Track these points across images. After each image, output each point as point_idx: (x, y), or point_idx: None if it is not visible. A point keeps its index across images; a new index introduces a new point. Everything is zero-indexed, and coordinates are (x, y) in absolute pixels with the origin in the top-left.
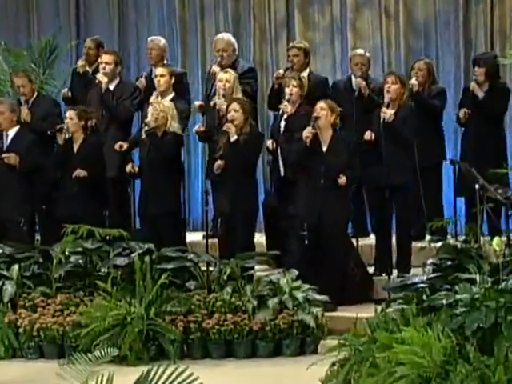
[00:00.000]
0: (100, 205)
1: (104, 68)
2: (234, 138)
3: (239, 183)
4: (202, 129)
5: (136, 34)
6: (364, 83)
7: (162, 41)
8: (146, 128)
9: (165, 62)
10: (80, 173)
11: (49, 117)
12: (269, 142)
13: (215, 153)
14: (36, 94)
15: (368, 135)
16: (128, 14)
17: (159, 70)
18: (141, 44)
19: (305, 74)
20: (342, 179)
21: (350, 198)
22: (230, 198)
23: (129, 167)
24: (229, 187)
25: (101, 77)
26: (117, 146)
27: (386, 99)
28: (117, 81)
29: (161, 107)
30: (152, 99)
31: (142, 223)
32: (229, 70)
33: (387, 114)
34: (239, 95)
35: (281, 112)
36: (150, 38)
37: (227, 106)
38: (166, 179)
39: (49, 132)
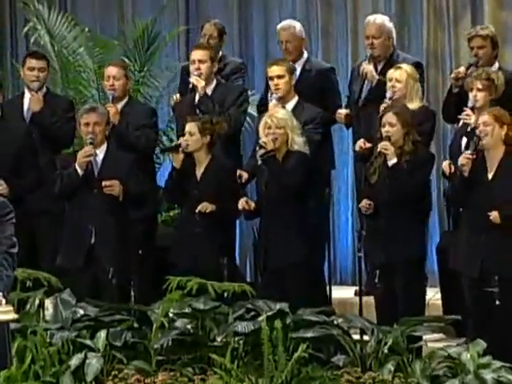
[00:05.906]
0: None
1: (198, 68)
2: (392, 160)
3: (400, 222)
4: (367, 145)
5: (263, 17)
6: None
7: (297, 26)
8: (262, 151)
9: (305, 54)
10: (207, 207)
11: (140, 129)
12: (445, 164)
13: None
14: (128, 98)
15: None
16: None
17: (273, 69)
18: (269, 30)
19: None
20: (494, 214)
21: None
22: (387, 243)
23: (242, 203)
24: (385, 227)
25: (196, 80)
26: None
27: None
28: (214, 83)
29: (275, 122)
30: (271, 106)
31: (261, 277)
32: (403, 65)
33: None
34: (416, 101)
35: (460, 125)
36: (280, 26)
37: (380, 118)
38: (286, 217)
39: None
